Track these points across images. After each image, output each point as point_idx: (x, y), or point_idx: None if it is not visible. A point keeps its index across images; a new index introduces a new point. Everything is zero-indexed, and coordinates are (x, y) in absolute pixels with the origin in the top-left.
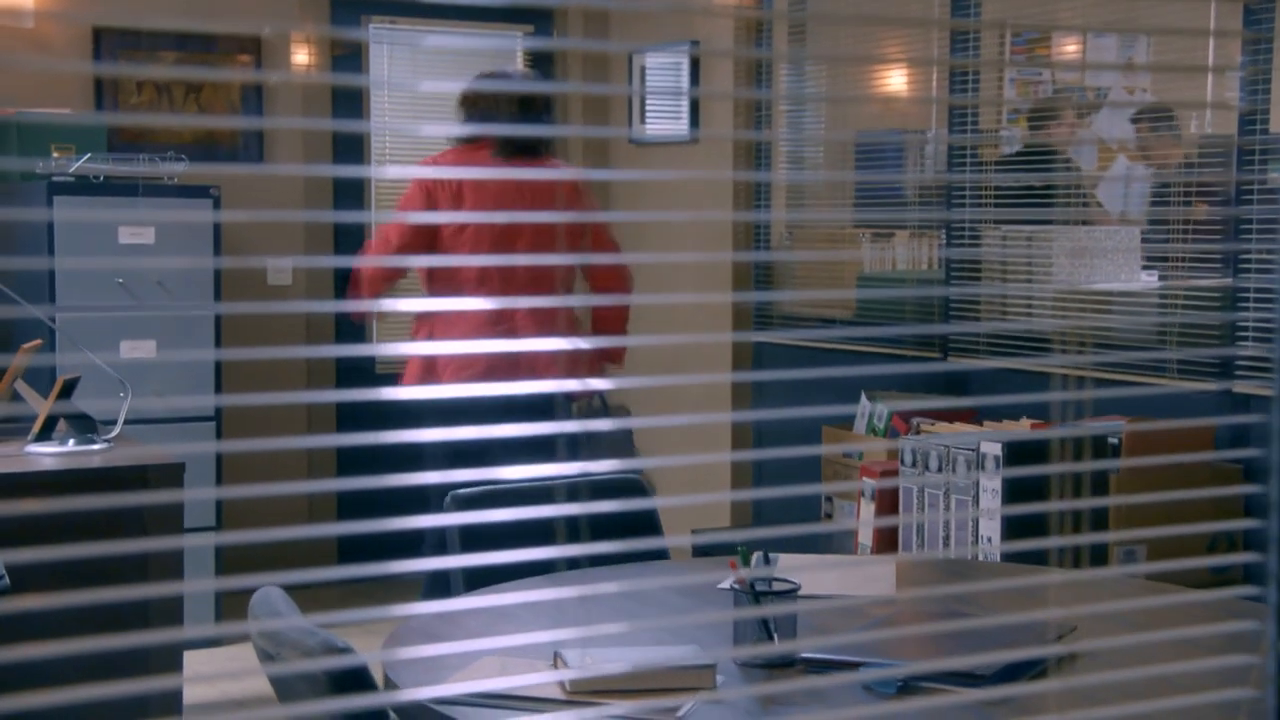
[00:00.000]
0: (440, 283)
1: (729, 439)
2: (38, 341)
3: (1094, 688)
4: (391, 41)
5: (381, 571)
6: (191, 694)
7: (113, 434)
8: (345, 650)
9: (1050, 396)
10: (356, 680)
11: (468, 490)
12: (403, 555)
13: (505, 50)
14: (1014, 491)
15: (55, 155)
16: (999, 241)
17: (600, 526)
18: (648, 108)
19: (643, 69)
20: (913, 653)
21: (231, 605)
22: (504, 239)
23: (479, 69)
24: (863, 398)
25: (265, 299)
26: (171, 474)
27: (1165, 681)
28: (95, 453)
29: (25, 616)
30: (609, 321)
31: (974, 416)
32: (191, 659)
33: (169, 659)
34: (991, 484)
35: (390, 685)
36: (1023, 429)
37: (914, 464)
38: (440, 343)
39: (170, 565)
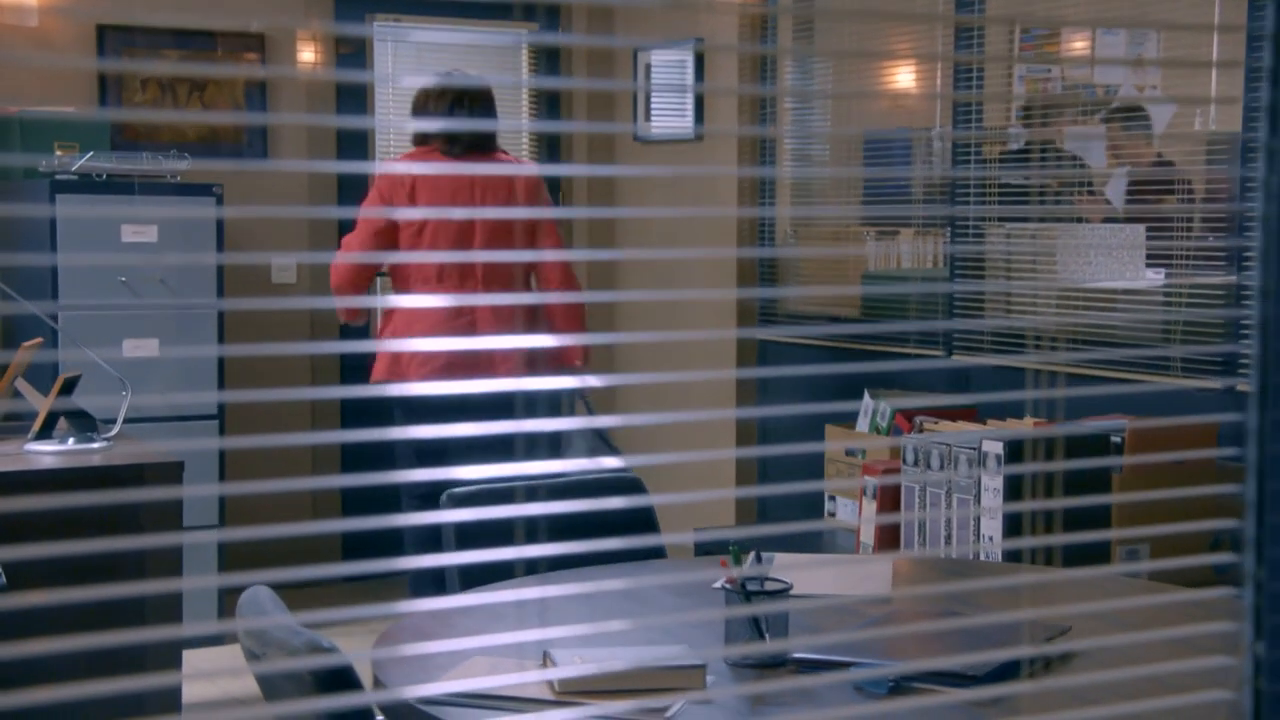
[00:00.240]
0: (402, 280)
1: (734, 436)
2: (38, 340)
3: (1083, 688)
4: (396, 39)
5: (372, 569)
6: (191, 692)
7: (112, 432)
8: (330, 650)
9: (1052, 394)
10: (341, 680)
11: (463, 489)
12: (399, 553)
13: (510, 46)
14: (1016, 490)
15: (58, 153)
16: (1003, 239)
17: (596, 525)
18: (652, 105)
19: (647, 66)
20: (906, 652)
21: (234, 603)
22: (460, 236)
23: (482, 66)
24: (866, 396)
25: (269, 298)
26: (170, 473)
27: (1155, 681)
28: (95, 451)
29: (20, 614)
30: (563, 319)
31: (977, 415)
32: (193, 657)
33: (168, 657)
34: (993, 483)
35: (379, 686)
36: (1025, 427)
37: (916, 463)
38: (440, 339)
39: (168, 563)
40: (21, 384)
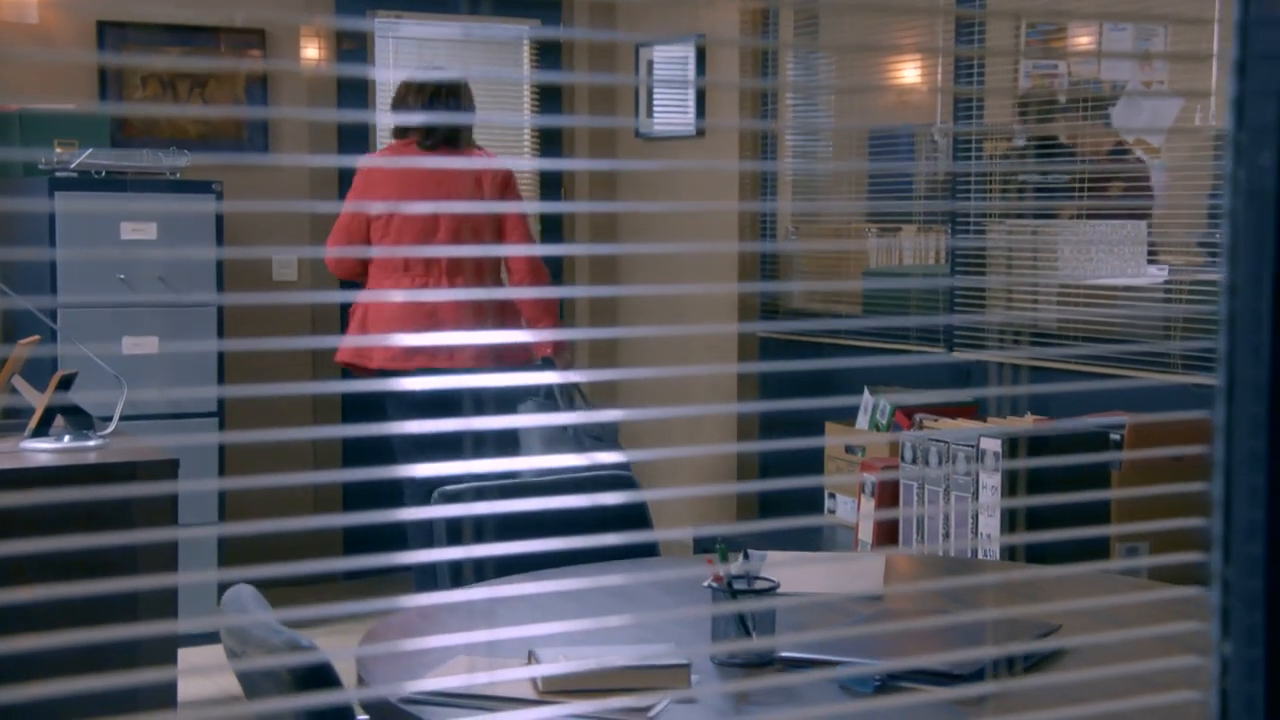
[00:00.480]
0: (372, 269)
1: (735, 432)
2: (35, 338)
3: (1067, 686)
4: (397, 35)
5: (361, 565)
6: (187, 689)
7: (108, 430)
8: (308, 649)
9: (1051, 389)
10: (319, 679)
11: (454, 486)
12: (400, 548)
13: (512, 39)
14: (1016, 487)
15: (58, 150)
16: (1004, 235)
17: (588, 522)
18: (655, 102)
19: (649, 63)
20: (895, 651)
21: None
22: (425, 230)
23: (483, 61)
24: (866, 393)
25: (269, 292)
26: (164, 470)
27: (1141, 680)
28: (90, 449)
29: (12, 611)
30: (532, 313)
31: (977, 412)
32: (191, 654)
33: (162, 653)
34: (991, 480)
35: (364, 685)
36: (1024, 424)
37: (914, 460)
38: (437, 334)
39: (161, 560)
40: (18, 381)
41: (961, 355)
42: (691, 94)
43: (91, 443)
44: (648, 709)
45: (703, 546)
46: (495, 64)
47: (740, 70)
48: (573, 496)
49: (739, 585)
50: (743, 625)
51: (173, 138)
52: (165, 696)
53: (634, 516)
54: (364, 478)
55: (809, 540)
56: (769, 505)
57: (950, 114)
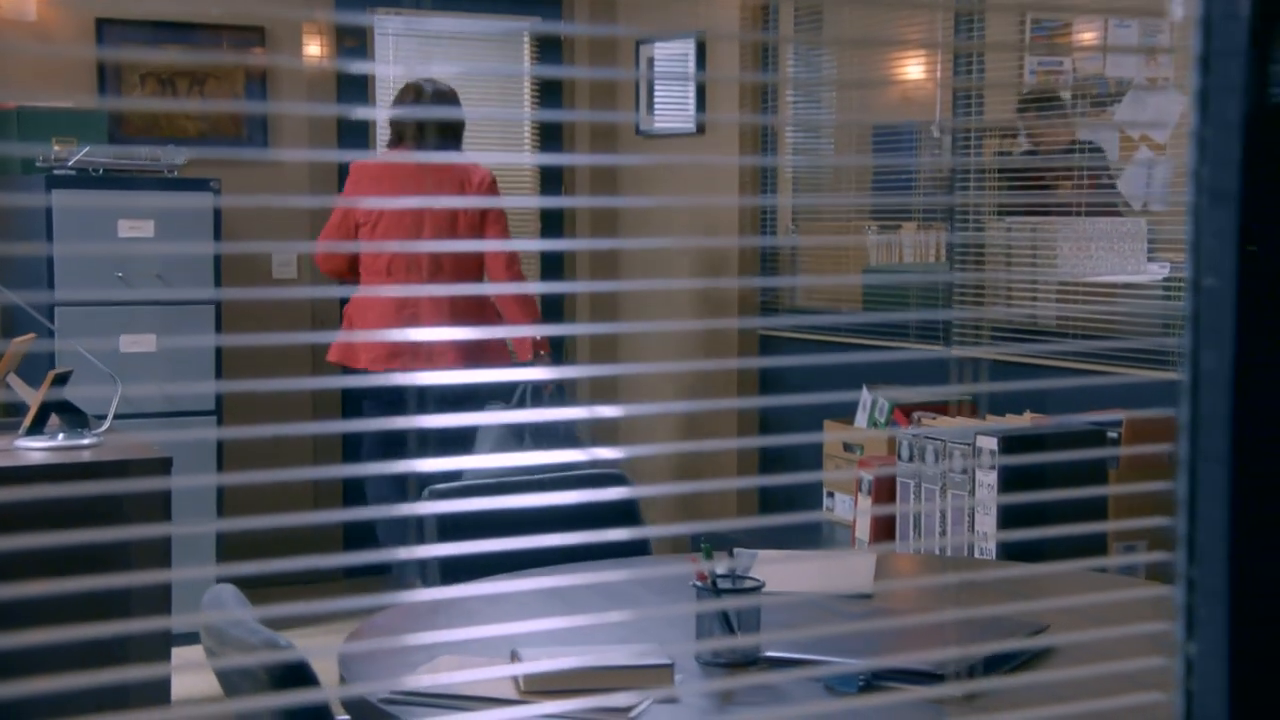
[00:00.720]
0: (360, 271)
1: (735, 429)
2: (30, 336)
3: (1050, 685)
4: (397, 31)
5: (348, 561)
6: (182, 686)
7: (103, 428)
8: (285, 648)
9: (1048, 384)
10: (297, 678)
11: (444, 485)
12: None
13: (512, 33)
14: (1013, 485)
15: (56, 148)
16: (1003, 231)
17: (580, 520)
18: (655, 99)
19: (650, 60)
20: (882, 650)
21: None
22: (408, 232)
23: (483, 56)
24: (864, 391)
25: (267, 287)
26: (157, 468)
27: (1117, 680)
28: (84, 447)
29: (3, 608)
30: (512, 312)
31: (975, 411)
32: (187, 651)
33: (155, 649)
34: (988, 478)
35: (345, 684)
36: (1022, 422)
37: (910, 457)
38: (432, 330)
39: (153, 557)
40: (13, 379)
41: (960, 351)
42: (692, 91)
43: (86, 441)
44: (629, 709)
45: (699, 544)
46: (496, 60)
47: (740, 67)
48: (565, 493)
49: (724, 584)
50: (727, 624)
51: (171, 136)
52: (158, 693)
53: (625, 514)
54: (360, 474)
55: (808, 538)
56: (769, 503)
57: (950, 109)
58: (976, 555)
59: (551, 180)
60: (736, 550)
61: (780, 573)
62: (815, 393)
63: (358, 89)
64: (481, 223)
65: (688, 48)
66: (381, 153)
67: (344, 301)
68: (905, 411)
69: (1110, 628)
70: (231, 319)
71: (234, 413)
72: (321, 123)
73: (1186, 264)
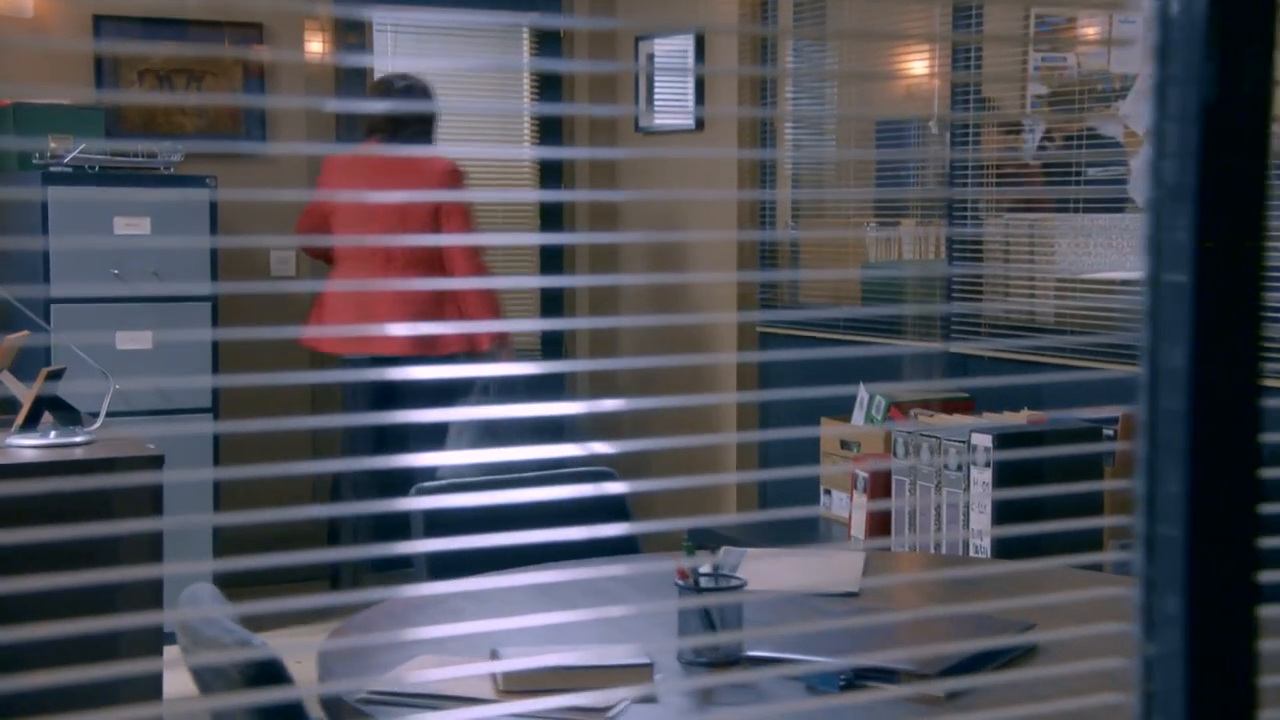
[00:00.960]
0: (329, 264)
1: (735, 425)
2: (24, 333)
3: (1031, 683)
4: (396, 27)
5: (335, 557)
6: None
7: (95, 425)
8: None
9: (1043, 379)
10: (270, 678)
11: (433, 483)
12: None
13: (512, 27)
14: (1008, 482)
15: (52, 144)
16: (1001, 225)
17: (567, 517)
18: (655, 95)
19: (649, 56)
20: (866, 649)
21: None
22: (364, 223)
23: (483, 52)
24: (861, 388)
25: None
26: (148, 465)
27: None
28: (76, 445)
29: None
30: (474, 305)
31: (973, 408)
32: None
33: (148, 645)
34: (982, 476)
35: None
36: (1018, 420)
37: (906, 454)
38: (429, 325)
39: (143, 553)
40: (5, 376)
41: (957, 348)
42: (690, 86)
43: (78, 438)
44: (607, 709)
45: (696, 540)
46: (495, 55)
47: (739, 62)
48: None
49: (706, 582)
50: (709, 623)
51: (169, 134)
52: (150, 689)
53: (615, 512)
54: (354, 469)
55: (805, 534)
56: (768, 501)
57: (948, 102)
58: (971, 552)
59: (550, 175)
60: (725, 548)
61: (768, 571)
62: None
63: (357, 85)
64: (436, 214)
65: (687, 43)
66: (362, 147)
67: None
68: (902, 408)
69: (1093, 625)
70: (228, 318)
71: (230, 411)
72: (319, 119)
73: (1144, 259)
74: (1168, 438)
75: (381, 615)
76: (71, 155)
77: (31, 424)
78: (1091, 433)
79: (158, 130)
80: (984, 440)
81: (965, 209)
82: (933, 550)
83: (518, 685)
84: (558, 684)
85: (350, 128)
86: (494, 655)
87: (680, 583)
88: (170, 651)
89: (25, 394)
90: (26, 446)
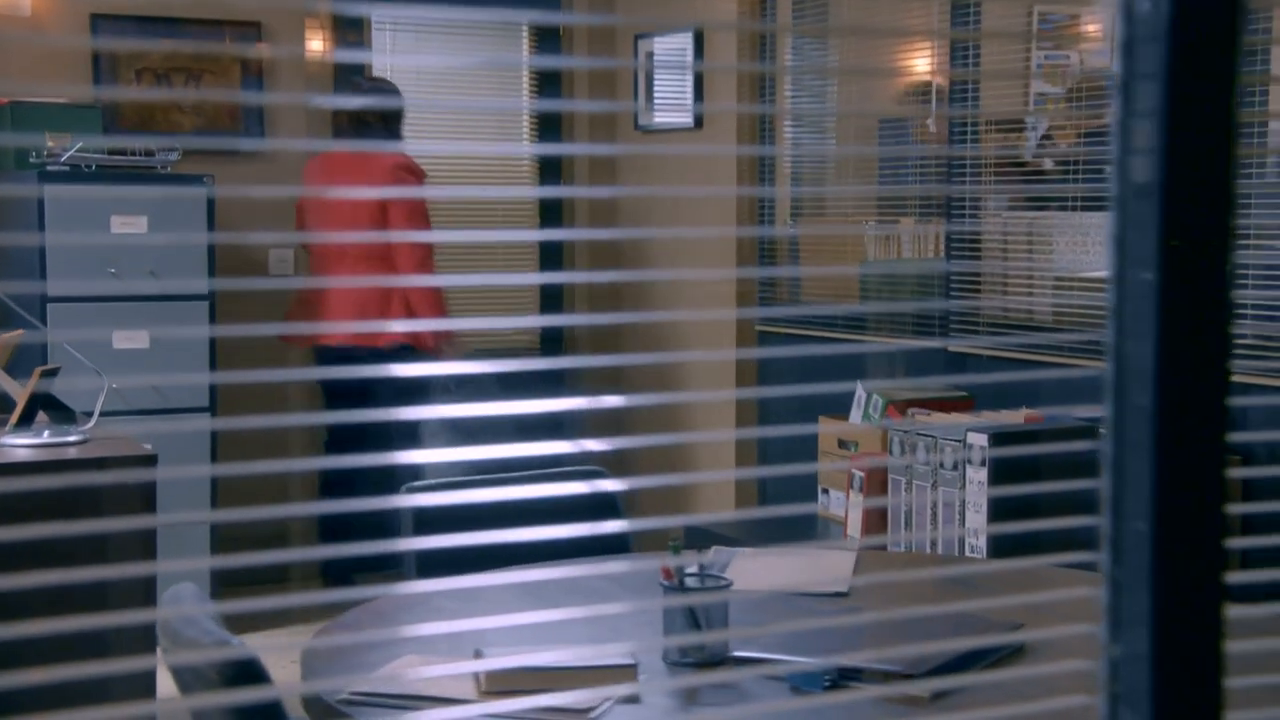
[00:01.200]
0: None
1: (734, 423)
2: (19, 332)
3: (1018, 682)
4: (395, 24)
5: (319, 555)
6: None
7: (89, 425)
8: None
9: (1040, 375)
10: (248, 678)
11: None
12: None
13: (511, 25)
14: (1004, 481)
15: (49, 144)
16: (999, 221)
17: (558, 516)
18: (655, 93)
19: (649, 55)
20: (854, 648)
21: (228, 591)
22: (323, 221)
23: (483, 49)
24: (859, 388)
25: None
26: (141, 464)
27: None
28: (71, 443)
29: None
30: (419, 304)
31: (972, 406)
32: None
33: (140, 643)
34: (978, 475)
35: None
36: (1015, 419)
37: (902, 453)
38: (428, 322)
39: (132, 553)
40: (0, 375)
41: (955, 346)
42: (690, 84)
43: (72, 437)
44: (590, 710)
45: (693, 539)
46: (494, 52)
47: (738, 57)
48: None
49: (691, 582)
50: (694, 623)
51: (167, 132)
52: (143, 688)
53: (607, 510)
54: (347, 466)
55: (804, 532)
56: (769, 498)
57: (946, 99)
58: (967, 551)
59: (550, 172)
60: (716, 548)
61: (757, 570)
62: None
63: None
64: (386, 206)
65: (686, 41)
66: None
67: None
68: (900, 408)
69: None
70: (226, 317)
71: (228, 411)
72: (318, 117)
73: (1110, 257)
74: (1134, 436)
75: (368, 615)
76: (68, 154)
77: (26, 423)
78: (1088, 431)
79: (156, 129)
80: (979, 439)
81: (964, 207)
82: (928, 549)
83: (500, 685)
84: (541, 684)
85: (328, 127)
86: (477, 655)
87: (665, 583)
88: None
89: (20, 393)
90: (20, 446)
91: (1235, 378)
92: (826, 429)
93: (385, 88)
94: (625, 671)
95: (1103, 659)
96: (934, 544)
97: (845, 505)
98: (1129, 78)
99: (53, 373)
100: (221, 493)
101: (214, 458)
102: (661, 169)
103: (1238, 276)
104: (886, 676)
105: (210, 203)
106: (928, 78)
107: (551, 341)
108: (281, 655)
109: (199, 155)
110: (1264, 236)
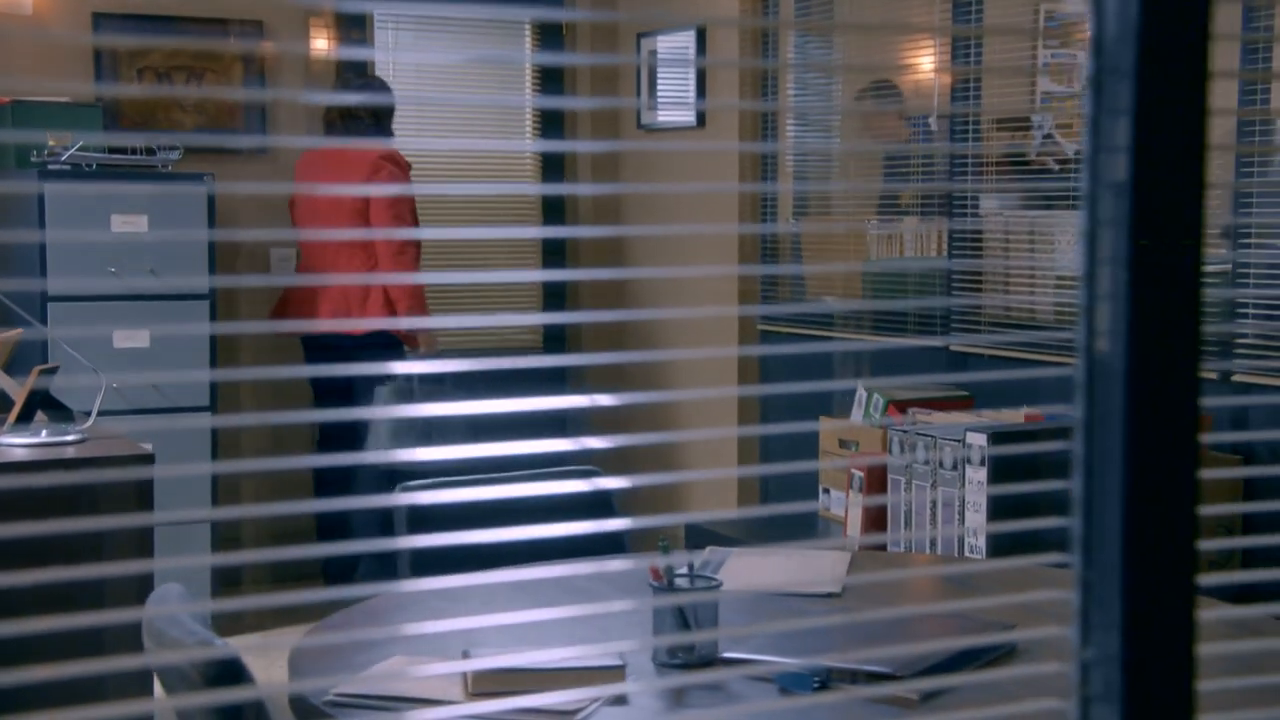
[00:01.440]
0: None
1: (736, 421)
2: (18, 331)
3: (1007, 683)
4: (397, 21)
5: (310, 554)
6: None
7: (87, 424)
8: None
9: (1038, 374)
10: (230, 678)
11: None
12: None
13: (513, 21)
14: (1004, 480)
15: (50, 143)
16: (1001, 223)
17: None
18: (658, 92)
19: (652, 53)
20: (845, 649)
21: (228, 589)
22: (307, 218)
23: (486, 45)
24: (859, 388)
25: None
26: (138, 463)
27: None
28: (69, 443)
29: None
30: (400, 300)
31: (972, 406)
32: None
33: (138, 641)
34: (978, 474)
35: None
36: (1016, 418)
37: (902, 453)
38: (426, 320)
39: (128, 552)
40: None
41: (957, 345)
42: (692, 82)
43: (70, 436)
44: (577, 711)
45: (693, 537)
46: (497, 49)
47: (740, 54)
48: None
49: (681, 583)
50: (683, 623)
51: (168, 131)
52: (139, 687)
53: (601, 510)
54: (340, 463)
55: (804, 531)
56: (770, 498)
57: (949, 99)
58: (966, 550)
59: (552, 170)
60: (710, 548)
61: (750, 570)
62: (810, 381)
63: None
64: (367, 202)
65: (689, 39)
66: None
67: None
68: (900, 407)
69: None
70: (226, 316)
71: (228, 410)
72: (320, 115)
73: (1079, 255)
74: (1105, 437)
75: (358, 614)
76: (69, 152)
77: (24, 422)
78: None
79: (157, 128)
80: (978, 439)
81: (965, 204)
82: (927, 549)
83: (488, 686)
84: (528, 684)
85: (319, 124)
86: (465, 656)
87: (654, 583)
88: None
89: (18, 391)
90: (17, 445)
91: (1235, 378)
92: (827, 428)
93: (376, 85)
94: (613, 672)
95: (1074, 662)
96: (933, 543)
97: (845, 505)
98: (1100, 75)
99: (52, 371)
100: (222, 492)
101: (214, 456)
102: (664, 167)
103: (1209, 275)
104: (875, 677)
105: (211, 201)
106: (931, 75)
107: (554, 340)
108: (279, 655)
109: (200, 154)
110: (1266, 235)
